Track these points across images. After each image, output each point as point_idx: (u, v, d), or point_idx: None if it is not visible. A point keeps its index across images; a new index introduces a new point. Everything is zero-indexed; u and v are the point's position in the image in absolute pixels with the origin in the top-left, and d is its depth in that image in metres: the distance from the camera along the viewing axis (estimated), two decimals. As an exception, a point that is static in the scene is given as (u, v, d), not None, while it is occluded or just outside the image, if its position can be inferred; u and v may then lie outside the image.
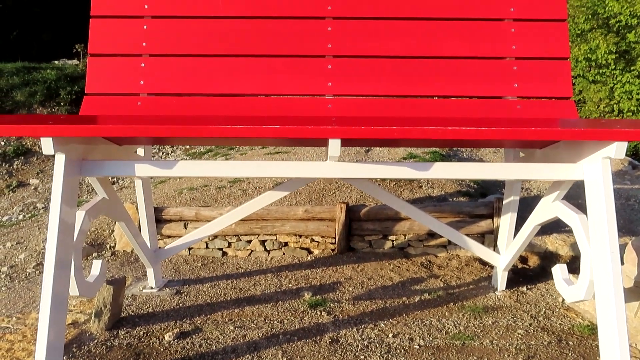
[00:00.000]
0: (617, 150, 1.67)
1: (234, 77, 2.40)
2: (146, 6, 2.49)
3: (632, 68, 8.99)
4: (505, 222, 2.79)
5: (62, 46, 12.91)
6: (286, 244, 3.47)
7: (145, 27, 2.47)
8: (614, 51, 8.81)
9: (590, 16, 9.26)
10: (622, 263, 2.24)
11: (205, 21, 2.47)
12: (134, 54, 2.44)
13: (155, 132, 1.64)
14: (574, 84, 10.03)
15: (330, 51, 2.44)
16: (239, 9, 2.46)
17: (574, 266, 2.95)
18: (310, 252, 3.48)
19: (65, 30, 14.13)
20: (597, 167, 1.77)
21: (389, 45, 2.44)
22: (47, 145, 1.71)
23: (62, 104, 7.37)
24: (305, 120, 1.76)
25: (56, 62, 11.41)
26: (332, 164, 1.87)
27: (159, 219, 3.45)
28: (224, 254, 3.48)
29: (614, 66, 8.97)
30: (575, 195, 3.23)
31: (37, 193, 5.72)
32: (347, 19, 2.47)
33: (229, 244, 3.47)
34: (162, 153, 6.76)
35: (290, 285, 2.94)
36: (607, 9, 9.00)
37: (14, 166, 6.30)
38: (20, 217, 4.91)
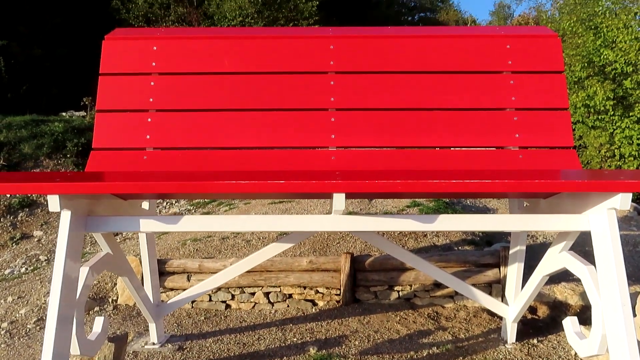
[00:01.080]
0: (622, 201, 1.67)
1: (239, 130, 2.44)
2: (154, 63, 2.56)
3: (630, 114, 9.10)
4: (513, 272, 2.76)
5: (70, 98, 13.19)
6: (290, 295, 3.42)
7: (152, 83, 2.53)
8: (612, 97, 8.95)
9: (586, 64, 9.47)
10: (635, 314, 2.19)
11: (211, 77, 2.53)
12: (141, 109, 2.49)
13: (161, 188, 1.66)
14: (574, 129, 10.14)
15: (333, 104, 2.49)
16: (244, 65, 2.53)
17: (584, 316, 2.89)
18: (315, 304, 3.42)
19: (73, 83, 14.48)
20: (603, 218, 1.76)
21: (390, 97, 2.49)
22: (53, 202, 1.72)
23: (68, 155, 7.46)
24: (310, 175, 1.77)
25: (64, 114, 11.64)
26: (337, 217, 1.87)
27: (162, 272, 3.42)
28: (228, 306, 3.43)
29: (612, 112, 9.09)
30: (582, 242, 3.20)
31: (41, 245, 5.70)
32: (349, 74, 2.53)
33: (233, 297, 3.42)
34: (166, 202, 6.78)
35: (295, 339, 2.87)
36: (602, 57, 9.21)
37: (19, 218, 6.31)
38: (23, 269, 4.87)
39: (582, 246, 3.16)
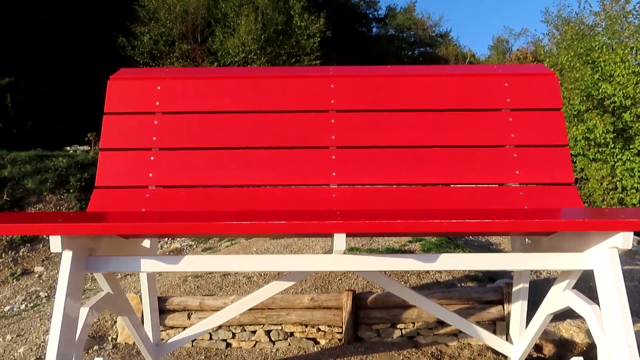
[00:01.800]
0: (624, 240, 1.67)
1: (241, 169, 2.46)
2: (157, 102, 2.60)
3: (630, 146, 9.15)
4: (517, 309, 2.73)
5: (74, 133, 13.35)
6: (292, 334, 3.37)
7: (156, 122, 2.57)
8: (612, 130, 9.02)
9: (585, 98, 9.58)
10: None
11: (214, 116, 2.57)
12: (144, 147, 2.52)
13: (161, 229, 1.66)
14: (574, 162, 10.17)
15: (334, 142, 2.51)
16: (246, 104, 2.57)
17: (591, 354, 2.84)
18: (316, 342, 3.37)
19: (78, 118, 14.68)
20: (605, 257, 1.76)
21: (390, 135, 2.52)
22: (55, 242, 1.72)
23: (71, 191, 7.50)
24: (310, 215, 1.78)
25: (68, 148, 11.76)
26: (338, 256, 1.87)
27: (163, 309, 3.38)
28: (228, 345, 3.38)
29: (612, 145, 9.14)
30: (587, 277, 3.17)
31: (41, 281, 5.67)
32: (349, 112, 2.56)
33: (234, 335, 3.38)
34: (167, 237, 6.77)
35: (297, 379, 2.82)
36: (600, 90, 9.33)
37: (20, 253, 6.30)
38: (23, 306, 4.83)
39: (587, 281, 3.13)
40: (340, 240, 1.68)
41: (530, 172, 2.45)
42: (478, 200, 2.38)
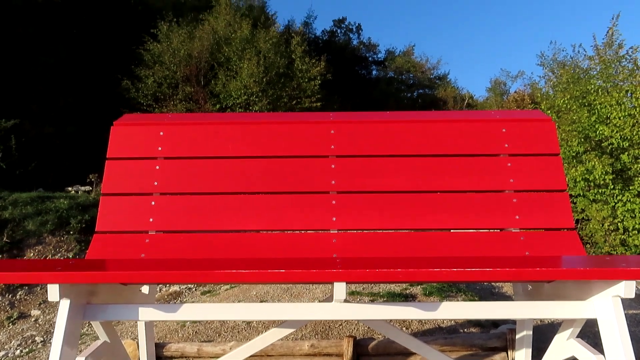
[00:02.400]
0: (626, 289, 1.66)
1: (241, 214, 2.47)
2: (160, 148, 2.63)
3: (630, 187, 9.17)
4: (521, 357, 2.67)
5: (77, 173, 13.45)
6: (292, 382, 3.29)
7: (157, 167, 2.59)
8: (611, 172, 9.06)
9: (582, 139, 9.67)
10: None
11: (215, 161, 2.59)
12: (146, 192, 2.54)
13: (160, 278, 1.66)
14: (575, 203, 10.17)
15: (334, 187, 2.53)
16: (247, 150, 2.60)
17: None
18: (317, 390, 3.28)
19: (81, 158, 14.81)
20: (609, 306, 1.74)
21: (390, 180, 2.54)
22: (53, 291, 1.71)
23: (71, 232, 7.48)
24: (310, 263, 1.77)
25: (70, 188, 11.81)
26: (338, 305, 1.85)
27: (160, 356, 3.31)
28: (226, 394, 3.28)
29: (612, 186, 9.17)
30: (591, 322, 3.12)
31: (37, 325, 5.57)
32: (349, 157, 2.59)
33: (232, 383, 3.29)
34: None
35: None
36: (597, 132, 9.43)
37: (17, 297, 6.22)
38: (18, 352, 4.73)
39: (591, 326, 3.07)
40: (340, 289, 1.67)
41: (530, 217, 2.46)
42: (479, 246, 2.37)
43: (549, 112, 10.98)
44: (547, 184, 2.54)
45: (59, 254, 7.10)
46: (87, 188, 11.68)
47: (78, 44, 17.60)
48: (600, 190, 9.39)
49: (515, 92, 25.09)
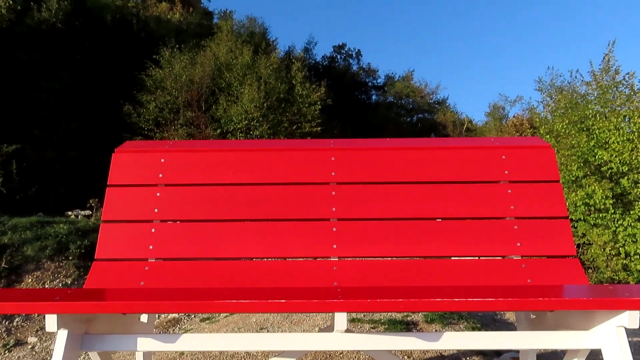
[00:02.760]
0: (630, 319, 1.64)
1: (242, 241, 2.46)
2: (161, 175, 2.64)
3: (631, 212, 9.14)
4: (525, 387, 2.62)
5: (77, 197, 13.44)
6: (292, 412, 3.22)
7: (158, 194, 2.59)
8: (611, 196, 9.05)
9: (582, 164, 9.69)
10: None
11: (216, 188, 2.59)
12: (146, 220, 2.53)
13: (159, 308, 1.64)
14: (575, 227, 10.12)
15: (334, 214, 2.52)
16: (248, 177, 2.60)
17: None
18: (317, 421, 3.21)
19: (81, 183, 14.83)
20: (612, 336, 1.72)
21: (391, 207, 2.53)
22: (51, 322, 1.69)
23: (70, 258, 7.44)
24: (311, 293, 1.76)
25: (70, 213, 11.79)
26: (339, 334, 1.83)
27: (158, 386, 3.26)
28: None
29: (613, 210, 9.14)
30: (596, 350, 3.07)
31: (34, 353, 5.49)
32: (350, 184, 2.59)
33: (231, 414, 3.23)
34: (166, 306, 6.62)
35: None
36: (597, 157, 9.45)
37: (14, 323, 6.15)
38: (12, 381, 4.65)
39: (597, 355, 3.02)
40: (341, 319, 1.65)
41: (532, 244, 2.44)
42: (481, 274, 2.35)
43: (548, 136, 11.03)
44: (547, 211, 2.53)
45: (57, 280, 7.05)
46: (87, 212, 11.66)
47: (81, 69, 17.81)
48: (601, 215, 9.36)
49: (514, 116, 25.26)
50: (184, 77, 17.22)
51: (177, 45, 18.66)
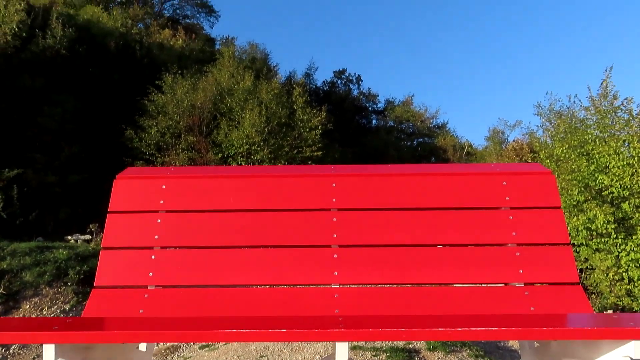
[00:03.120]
0: (636, 349, 1.62)
1: (243, 268, 2.44)
2: (162, 201, 2.63)
3: (633, 237, 9.11)
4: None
5: (77, 221, 13.41)
6: None
7: (159, 220, 2.58)
8: (612, 221, 9.02)
9: (583, 188, 9.69)
10: None
11: (217, 214, 2.59)
12: (146, 246, 2.52)
13: (158, 338, 1.62)
14: (578, 252, 10.07)
15: (336, 241, 2.51)
16: (249, 203, 2.60)
17: None
18: None
19: (82, 207, 14.82)
20: (619, 367, 1.69)
21: (392, 234, 2.52)
22: (48, 352, 1.67)
23: (69, 284, 7.39)
24: (312, 322, 1.74)
25: (69, 237, 11.75)
26: (341, 365, 1.80)
27: (155, 416, 3.20)
28: None
29: (614, 235, 9.11)
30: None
31: (30, 381, 5.41)
32: (351, 210, 2.58)
33: None
34: (165, 333, 6.54)
35: None
36: (597, 181, 9.46)
37: (11, 351, 6.07)
38: (7, 410, 4.57)
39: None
40: (342, 349, 1.63)
41: (534, 271, 2.43)
42: (483, 302, 2.33)
43: (548, 161, 11.06)
44: (549, 237, 2.52)
45: (56, 306, 6.98)
46: (87, 237, 11.62)
47: (84, 94, 18.00)
48: (603, 240, 9.32)
49: (514, 140, 25.37)
50: (185, 102, 17.37)
51: (180, 71, 18.87)
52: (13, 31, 16.61)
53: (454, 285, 2.42)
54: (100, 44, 20.67)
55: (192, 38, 27.25)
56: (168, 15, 32.93)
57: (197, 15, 34.71)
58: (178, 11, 34.26)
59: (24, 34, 17.13)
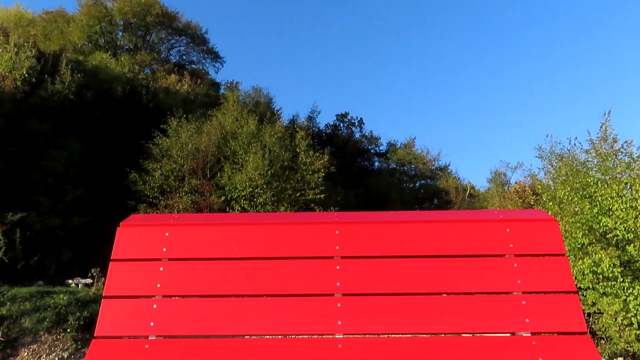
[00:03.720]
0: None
1: (245, 318, 2.41)
2: (164, 249, 2.63)
3: (640, 281, 8.98)
4: None
5: (79, 265, 13.33)
6: None
7: (161, 269, 2.57)
8: (618, 264, 8.92)
9: (587, 231, 9.63)
10: None
11: (219, 262, 2.58)
12: (148, 295, 2.50)
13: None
14: (584, 296, 9.90)
15: (339, 289, 2.49)
16: (251, 251, 2.59)
17: None
18: None
19: (84, 250, 14.76)
20: (631, 423, 1.64)
21: (396, 282, 2.50)
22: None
23: (68, 330, 7.27)
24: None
25: (70, 281, 11.64)
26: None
27: None
28: None
29: (621, 279, 8.98)
30: None
31: None
32: (354, 258, 2.57)
33: None
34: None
35: None
36: (601, 224, 9.41)
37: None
38: None
39: None
40: (347, 405, 1.59)
41: (541, 320, 2.39)
42: (491, 352, 2.29)
43: (551, 203, 11.04)
44: (555, 285, 2.49)
45: (54, 354, 6.85)
46: (88, 281, 11.51)
47: (90, 138, 18.25)
48: (610, 283, 9.18)
49: (516, 182, 25.42)
50: (190, 146, 17.56)
51: (185, 115, 19.17)
52: (23, 77, 17.02)
53: (462, 335, 2.38)
54: (108, 89, 21.13)
55: (197, 83, 27.82)
56: (174, 61, 33.80)
57: (203, 61, 35.62)
58: (184, 57, 35.19)
59: (34, 80, 17.55)
